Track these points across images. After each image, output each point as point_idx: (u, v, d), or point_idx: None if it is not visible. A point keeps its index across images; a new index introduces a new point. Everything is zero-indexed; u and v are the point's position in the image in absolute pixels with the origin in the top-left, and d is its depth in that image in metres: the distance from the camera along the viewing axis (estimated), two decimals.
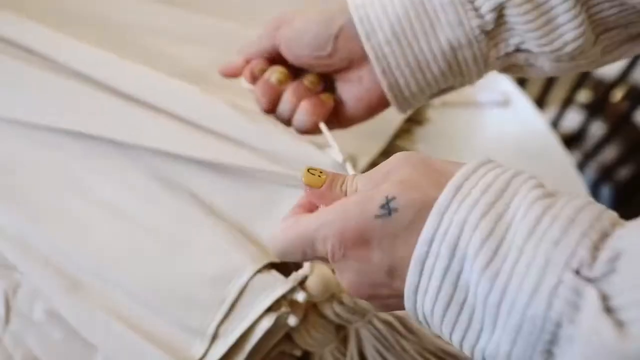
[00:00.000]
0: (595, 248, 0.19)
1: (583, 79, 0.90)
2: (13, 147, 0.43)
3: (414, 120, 0.53)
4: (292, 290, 0.33)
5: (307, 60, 0.34)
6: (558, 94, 0.95)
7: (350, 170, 0.34)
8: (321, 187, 0.26)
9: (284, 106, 0.35)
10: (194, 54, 0.52)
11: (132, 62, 0.45)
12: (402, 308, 0.24)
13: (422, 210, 0.22)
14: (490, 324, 0.20)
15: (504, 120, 0.58)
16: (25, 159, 0.42)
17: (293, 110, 0.35)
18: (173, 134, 0.40)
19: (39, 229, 0.39)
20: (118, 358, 0.34)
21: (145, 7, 0.56)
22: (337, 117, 0.36)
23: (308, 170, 0.26)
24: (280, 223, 0.26)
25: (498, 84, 0.62)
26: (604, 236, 0.20)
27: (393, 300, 0.24)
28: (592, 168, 0.99)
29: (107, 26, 0.53)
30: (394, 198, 0.23)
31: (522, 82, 0.90)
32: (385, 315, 0.35)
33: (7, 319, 0.37)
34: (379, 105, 0.35)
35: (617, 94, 1.01)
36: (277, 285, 0.33)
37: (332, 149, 0.35)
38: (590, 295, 0.18)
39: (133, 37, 0.52)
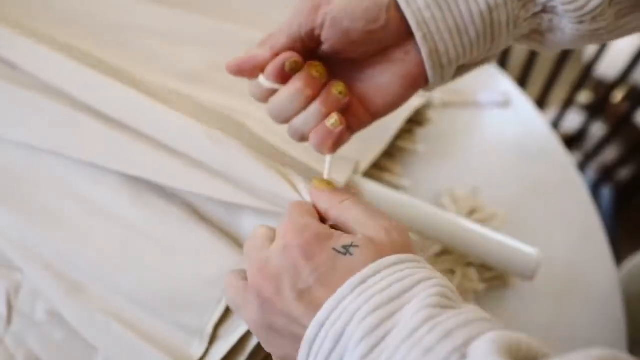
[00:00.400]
0: None
1: (583, 80, 0.90)
2: (14, 154, 0.43)
3: (415, 121, 0.53)
4: None
5: (357, 35, 0.31)
6: (558, 94, 0.95)
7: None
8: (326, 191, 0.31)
9: (310, 117, 0.31)
10: (192, 55, 0.52)
11: (119, 83, 0.43)
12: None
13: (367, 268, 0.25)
14: None
15: (504, 120, 0.58)
16: (25, 165, 0.42)
17: (318, 123, 0.31)
18: (159, 162, 0.39)
19: (39, 233, 0.39)
20: (118, 359, 0.34)
21: (142, 7, 0.56)
22: (369, 109, 0.33)
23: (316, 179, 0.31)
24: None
25: (498, 84, 0.62)
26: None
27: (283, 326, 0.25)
28: (593, 169, 0.99)
29: (104, 27, 0.53)
30: (356, 247, 0.26)
31: (522, 83, 0.90)
32: None
33: (9, 319, 0.37)
34: (420, 82, 0.33)
35: (618, 95, 1.02)
36: None
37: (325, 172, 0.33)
38: None
39: (130, 38, 0.52)
